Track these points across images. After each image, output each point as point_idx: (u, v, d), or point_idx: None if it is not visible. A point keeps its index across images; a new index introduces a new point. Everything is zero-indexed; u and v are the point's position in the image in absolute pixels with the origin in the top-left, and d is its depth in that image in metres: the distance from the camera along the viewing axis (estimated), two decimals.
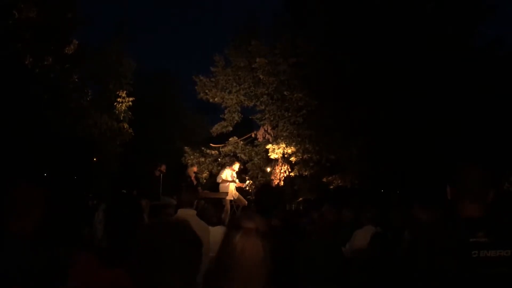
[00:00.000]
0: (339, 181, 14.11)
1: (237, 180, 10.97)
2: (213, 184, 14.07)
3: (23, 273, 1.90)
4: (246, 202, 10.67)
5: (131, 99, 17.24)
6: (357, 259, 4.55)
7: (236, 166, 11.35)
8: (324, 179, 14.50)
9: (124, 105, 17.07)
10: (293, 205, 13.87)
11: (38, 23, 12.22)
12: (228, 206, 10.29)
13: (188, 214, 4.03)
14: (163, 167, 10.07)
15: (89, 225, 5.38)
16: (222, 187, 10.72)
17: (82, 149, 14.61)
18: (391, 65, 11.20)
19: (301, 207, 12.83)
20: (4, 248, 1.90)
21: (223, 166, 15.77)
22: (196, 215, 4.36)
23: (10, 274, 1.85)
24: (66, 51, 13.95)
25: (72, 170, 15.09)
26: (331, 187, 14.34)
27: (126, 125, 17.01)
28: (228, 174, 10.86)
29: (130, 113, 17.31)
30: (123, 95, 17.17)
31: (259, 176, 16.06)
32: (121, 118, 16.99)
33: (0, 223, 2.05)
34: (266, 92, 15.66)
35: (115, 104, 17.06)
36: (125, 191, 9.10)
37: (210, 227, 4.63)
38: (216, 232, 4.62)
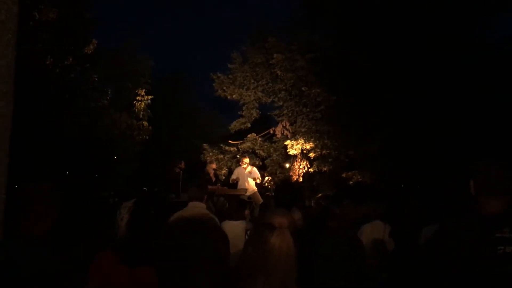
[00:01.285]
0: (358, 177, 14.00)
1: (251, 175, 10.84)
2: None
3: (39, 274, 1.91)
4: (261, 201, 10.63)
5: (149, 97, 17.40)
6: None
7: (245, 160, 11.30)
8: (343, 175, 14.41)
9: (143, 103, 17.24)
10: (312, 201, 13.81)
11: (58, 23, 12.39)
12: (259, 201, 10.31)
13: (197, 207, 4.03)
14: (182, 164, 10.13)
15: (111, 223, 5.43)
16: (240, 184, 10.73)
17: (102, 148, 14.81)
18: (409, 60, 11.05)
19: (321, 203, 12.77)
20: (20, 249, 1.91)
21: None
22: (207, 209, 4.37)
23: (26, 275, 1.86)
24: (86, 51, 14.14)
25: (92, 169, 15.32)
26: (351, 182, 14.23)
27: (145, 123, 17.18)
28: (238, 172, 10.87)
29: (149, 111, 17.47)
30: (142, 93, 17.34)
31: (278, 172, 16.03)
32: (140, 117, 17.17)
33: (16, 224, 2.06)
34: (284, 88, 15.60)
35: (134, 102, 17.24)
36: (145, 189, 9.19)
37: (229, 222, 4.65)
38: (237, 227, 4.64)
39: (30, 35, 11.25)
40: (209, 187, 9.85)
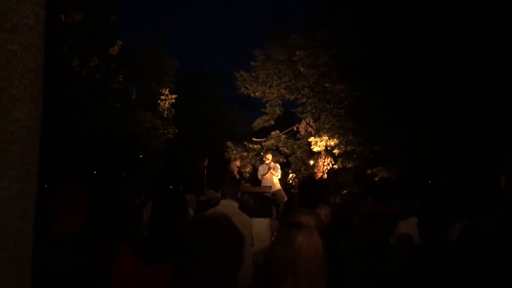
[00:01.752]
0: (383, 173, 13.84)
1: (275, 172, 10.84)
2: (256, 178, 14.15)
3: (69, 272, 1.96)
4: (286, 198, 10.61)
5: (173, 96, 17.57)
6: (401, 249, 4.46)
7: (269, 157, 11.28)
8: (369, 171, 14.26)
9: (167, 102, 17.43)
10: (337, 198, 13.71)
11: (84, 26, 12.62)
12: (284, 198, 10.30)
13: (231, 206, 4.02)
14: (206, 162, 10.20)
15: (138, 222, 5.52)
16: (264, 181, 10.73)
17: (128, 147, 15.05)
18: (436, 52, 10.83)
19: (346, 200, 12.67)
20: (51, 249, 1.96)
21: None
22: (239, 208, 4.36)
23: (58, 274, 1.90)
24: (111, 52, 14.37)
25: (119, 168, 15.58)
26: (376, 179, 14.08)
27: (170, 122, 17.38)
28: (263, 169, 10.86)
29: (173, 110, 17.65)
30: (166, 92, 17.53)
31: (302, 169, 15.99)
32: (165, 116, 17.36)
33: (47, 223, 2.11)
34: (307, 84, 15.53)
35: (158, 102, 17.44)
36: (171, 187, 9.29)
37: (254, 219, 4.64)
38: (260, 225, 4.64)
39: (57, 38, 11.49)
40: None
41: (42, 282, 1.32)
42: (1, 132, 0.79)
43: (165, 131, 17.33)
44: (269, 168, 10.56)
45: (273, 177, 10.68)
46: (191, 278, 1.33)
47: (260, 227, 4.51)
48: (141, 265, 2.08)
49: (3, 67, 0.79)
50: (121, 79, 15.16)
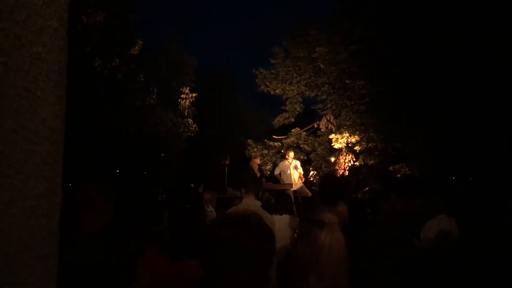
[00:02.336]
0: (406, 170, 13.66)
1: (297, 169, 10.82)
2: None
3: (95, 271, 1.99)
4: (310, 193, 10.60)
5: (194, 95, 17.69)
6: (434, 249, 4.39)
7: (290, 154, 11.26)
8: (391, 168, 14.09)
9: (187, 101, 17.56)
10: (359, 195, 13.60)
11: (105, 26, 12.80)
12: (308, 194, 10.31)
13: (254, 205, 4.01)
14: (227, 160, 10.24)
15: (159, 220, 5.55)
16: (285, 178, 10.72)
17: (150, 146, 15.22)
18: (460, 47, 10.62)
19: (367, 197, 12.57)
20: (77, 247, 2.00)
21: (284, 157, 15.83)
22: (260, 206, 4.36)
23: (83, 272, 1.94)
24: (132, 52, 14.54)
25: (141, 167, 15.77)
26: (398, 175, 13.90)
27: (190, 121, 17.50)
28: (282, 166, 10.85)
29: (194, 108, 17.77)
30: (186, 91, 17.67)
31: (323, 166, 15.89)
32: (185, 114, 17.49)
33: (72, 223, 2.15)
34: (327, 81, 15.43)
35: (179, 100, 17.57)
36: (192, 185, 9.33)
37: (274, 216, 4.64)
38: (281, 222, 4.63)
39: (79, 39, 11.68)
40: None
41: (68, 280, 1.34)
42: (27, 133, 0.80)
43: (186, 129, 17.46)
44: (294, 166, 10.54)
45: (295, 174, 10.66)
46: (224, 276, 1.34)
47: (280, 224, 4.50)
48: (169, 264, 2.10)
49: (29, 69, 0.81)
50: (142, 79, 15.33)
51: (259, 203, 4.18)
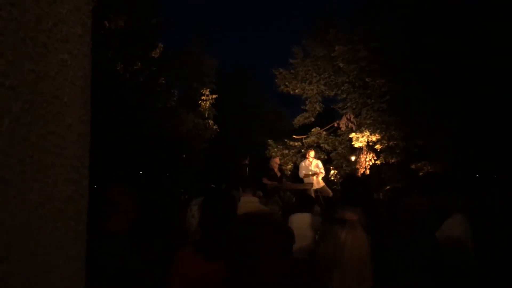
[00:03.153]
0: (428, 168, 13.45)
1: (319, 169, 10.77)
2: (297, 175, 14.09)
3: (122, 270, 2.02)
4: (331, 193, 10.54)
5: (214, 96, 17.80)
6: (451, 248, 4.33)
7: (311, 153, 11.20)
8: (413, 166, 13.90)
9: (208, 102, 17.68)
10: (381, 194, 13.47)
11: (126, 30, 12.97)
12: (329, 194, 10.29)
13: (251, 201, 4.12)
14: (247, 160, 10.27)
15: (183, 220, 5.60)
16: (306, 178, 10.69)
17: (172, 147, 15.36)
18: (484, 43, 10.38)
19: (389, 195, 12.43)
20: (103, 247, 2.03)
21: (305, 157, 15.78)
22: (275, 203, 4.46)
23: (110, 271, 1.97)
24: (153, 55, 14.70)
25: (164, 168, 15.92)
26: (421, 174, 13.70)
27: (211, 122, 17.60)
28: (304, 165, 10.82)
29: (214, 109, 17.87)
30: (207, 93, 17.78)
31: (344, 165, 15.79)
32: (206, 115, 17.60)
33: (98, 223, 2.19)
34: (347, 80, 15.32)
35: (199, 102, 17.70)
36: (214, 186, 9.38)
37: (296, 214, 4.64)
38: (301, 220, 4.63)
39: (101, 43, 11.87)
40: (275, 183, 9.96)
41: (96, 280, 1.37)
42: (55, 138, 0.83)
43: (207, 131, 17.57)
44: (313, 173, 10.50)
45: (318, 174, 10.62)
46: (250, 274, 1.36)
47: (301, 223, 4.49)
48: (201, 263, 2.13)
49: (55, 76, 0.83)
50: (163, 81, 15.48)
51: (256, 199, 4.27)
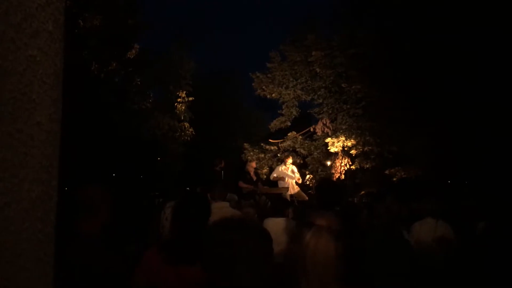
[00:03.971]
0: (402, 173, 13.68)
1: (294, 174, 10.87)
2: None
3: (93, 272, 1.99)
4: (307, 197, 10.61)
5: (190, 99, 17.68)
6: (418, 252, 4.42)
7: (289, 160, 11.31)
8: (387, 172, 14.11)
9: (184, 105, 17.55)
10: (355, 199, 13.61)
11: (102, 30, 12.80)
12: (305, 198, 10.34)
13: (223, 206, 4.18)
14: (222, 163, 10.23)
15: (156, 223, 5.54)
16: (281, 182, 10.74)
17: (147, 149, 15.18)
18: (460, 48, 10.61)
19: (363, 200, 12.59)
20: (75, 248, 2.00)
21: (283, 162, 15.82)
22: (251, 207, 4.50)
23: (80, 273, 1.93)
24: (129, 56, 14.53)
25: (138, 171, 15.73)
26: (394, 179, 13.93)
27: (187, 125, 17.48)
28: (280, 170, 10.88)
29: (191, 112, 17.76)
30: (183, 95, 17.65)
31: (319, 170, 15.91)
32: (182, 118, 17.48)
33: (70, 224, 2.15)
34: (324, 85, 15.47)
35: (175, 104, 17.56)
36: (188, 189, 9.33)
37: (270, 219, 4.66)
38: (276, 225, 4.64)
39: (75, 43, 11.67)
40: (251, 186, 9.98)
41: (67, 282, 1.34)
42: (22, 136, 0.80)
43: (182, 133, 17.45)
44: (291, 171, 10.56)
45: (292, 180, 10.68)
46: (227, 279, 1.35)
47: (275, 227, 4.50)
48: (170, 268, 2.10)
49: (23, 72, 0.80)
50: (139, 82, 15.32)
51: (227, 204, 4.35)
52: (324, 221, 1.48)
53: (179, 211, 2.38)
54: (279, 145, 16.41)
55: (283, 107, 16.73)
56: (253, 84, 16.81)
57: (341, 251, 1.42)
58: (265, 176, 15.43)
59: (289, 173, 10.79)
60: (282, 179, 10.70)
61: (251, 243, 1.39)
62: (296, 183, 10.88)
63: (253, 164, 11.28)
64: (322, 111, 15.85)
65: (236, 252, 1.36)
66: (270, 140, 16.88)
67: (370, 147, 14.21)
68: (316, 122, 16.22)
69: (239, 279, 1.33)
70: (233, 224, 1.46)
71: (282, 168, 10.98)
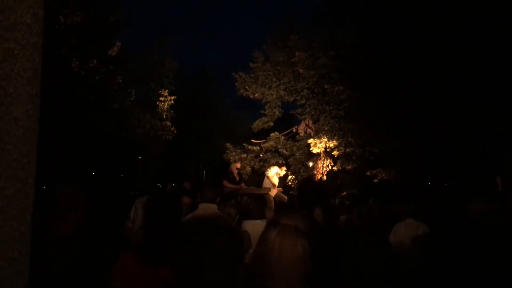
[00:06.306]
0: (383, 175, 13.83)
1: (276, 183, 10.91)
2: (256, 180, 14.12)
3: (67, 273, 1.96)
4: (286, 198, 10.63)
5: (172, 97, 17.59)
6: (401, 252, 4.47)
7: (283, 171, 11.40)
8: (368, 173, 14.25)
9: (166, 104, 17.45)
10: (337, 200, 13.70)
11: (83, 27, 12.63)
12: (271, 202, 10.30)
13: (209, 208, 4.14)
14: (200, 166, 10.20)
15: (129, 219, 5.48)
16: (265, 182, 10.75)
17: (127, 148, 15.04)
18: (440, 49, 10.76)
19: (345, 202, 12.69)
20: (49, 248, 1.96)
21: (265, 162, 15.81)
22: (233, 207, 4.48)
23: (55, 274, 1.90)
24: (110, 53, 14.37)
25: (118, 169, 15.57)
26: (375, 180, 14.07)
27: (168, 124, 17.38)
28: (275, 173, 10.89)
29: (172, 111, 17.66)
30: (165, 94, 17.55)
31: (301, 171, 15.97)
32: (164, 117, 17.37)
33: (43, 224, 2.11)
34: (306, 86, 15.53)
35: (157, 103, 17.45)
36: (159, 185, 9.24)
37: (250, 221, 4.66)
38: (257, 227, 4.64)
39: (56, 39, 11.49)
40: (234, 186, 9.98)
41: (39, 282, 1.31)
42: None
43: (164, 132, 17.33)
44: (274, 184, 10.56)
45: (274, 179, 10.69)
46: (197, 279, 1.33)
47: (256, 229, 4.50)
48: (145, 269, 2.07)
49: (0, 65, 0.78)
50: (120, 81, 15.15)
51: (215, 206, 4.31)
52: (290, 220, 1.45)
53: (148, 209, 2.35)
54: (262, 145, 16.42)
55: (266, 108, 16.74)
56: (236, 83, 16.79)
57: (307, 251, 1.40)
58: (247, 177, 15.44)
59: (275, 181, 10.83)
60: (265, 180, 10.70)
61: (220, 243, 1.38)
62: (280, 184, 10.89)
63: (237, 165, 11.28)
64: (304, 112, 15.91)
65: (205, 252, 1.35)
66: (252, 140, 16.88)
67: (351, 149, 14.32)
68: (298, 123, 16.29)
69: (208, 279, 1.33)
70: (204, 224, 1.44)
71: (277, 172, 10.96)
